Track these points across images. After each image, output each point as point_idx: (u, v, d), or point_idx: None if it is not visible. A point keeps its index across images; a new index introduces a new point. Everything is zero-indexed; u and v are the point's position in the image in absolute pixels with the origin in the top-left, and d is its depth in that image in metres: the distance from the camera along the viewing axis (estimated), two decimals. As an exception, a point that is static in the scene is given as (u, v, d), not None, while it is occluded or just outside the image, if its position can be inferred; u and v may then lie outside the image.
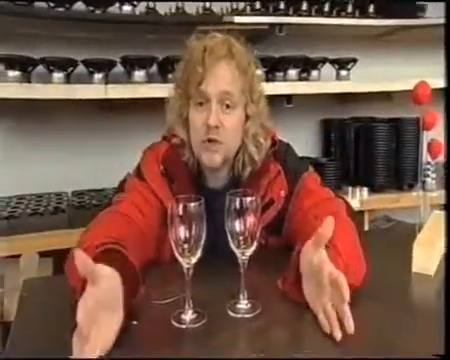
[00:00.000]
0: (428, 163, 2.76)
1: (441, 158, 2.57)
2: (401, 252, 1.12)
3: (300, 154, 2.38)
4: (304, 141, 2.71)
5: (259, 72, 1.22)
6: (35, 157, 2.21)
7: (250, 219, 0.87)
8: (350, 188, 2.38)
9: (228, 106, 1.12)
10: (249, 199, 0.86)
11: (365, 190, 2.38)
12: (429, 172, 2.62)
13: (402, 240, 1.20)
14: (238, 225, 0.87)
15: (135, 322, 0.86)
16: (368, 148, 2.48)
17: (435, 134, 2.76)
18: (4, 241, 1.73)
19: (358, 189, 2.38)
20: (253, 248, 0.89)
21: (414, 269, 1.06)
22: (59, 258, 1.75)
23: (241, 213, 0.86)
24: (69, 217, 1.87)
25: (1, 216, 1.82)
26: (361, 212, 2.40)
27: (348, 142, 2.58)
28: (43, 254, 1.78)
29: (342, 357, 0.77)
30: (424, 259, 1.05)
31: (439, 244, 1.11)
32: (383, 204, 2.41)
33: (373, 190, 2.44)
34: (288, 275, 0.94)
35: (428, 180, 2.52)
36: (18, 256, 1.74)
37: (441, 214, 1.31)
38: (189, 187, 1.14)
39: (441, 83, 2.53)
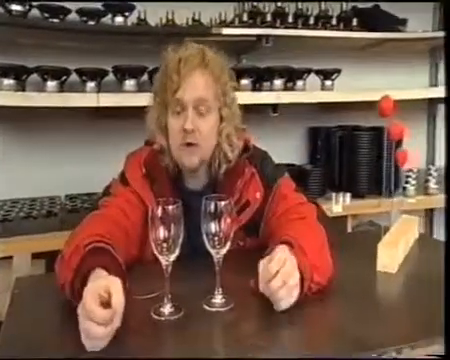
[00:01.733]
0: (410, 170, 2.88)
1: (412, 166, 2.66)
2: (370, 253, 1.20)
3: (287, 161, 2.49)
4: (291, 148, 2.79)
5: (231, 82, 1.31)
6: (29, 162, 2.29)
7: (224, 221, 0.95)
8: (334, 194, 2.47)
9: (202, 112, 1.21)
10: (223, 203, 0.95)
11: (348, 196, 2.47)
12: (410, 179, 2.73)
13: (374, 242, 1.28)
14: (213, 227, 0.95)
15: (118, 314, 0.94)
16: (351, 155, 2.57)
17: (415, 142, 2.86)
18: (-2, 243, 1.80)
19: (341, 195, 2.47)
20: (227, 248, 0.97)
21: (378, 268, 1.15)
22: (51, 259, 1.83)
23: (216, 216, 0.95)
24: (61, 220, 1.95)
25: (-4, 219, 1.89)
26: (345, 217, 2.49)
27: (333, 149, 2.67)
28: (36, 256, 1.85)
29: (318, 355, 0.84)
30: (387, 258, 1.14)
31: (402, 245, 1.20)
32: (365, 209, 2.49)
33: (356, 196, 2.53)
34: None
35: (408, 186, 2.63)
36: (11, 258, 1.81)
37: (409, 218, 1.41)
38: (169, 189, 1.24)
39: (421, 94, 2.66)
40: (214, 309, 0.97)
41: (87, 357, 0.80)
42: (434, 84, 3.06)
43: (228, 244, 0.97)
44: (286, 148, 2.73)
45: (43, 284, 1.20)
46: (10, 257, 1.81)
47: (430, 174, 2.75)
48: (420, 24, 2.76)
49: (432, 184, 2.63)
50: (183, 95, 1.20)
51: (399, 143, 2.50)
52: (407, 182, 2.63)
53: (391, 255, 1.14)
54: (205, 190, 1.22)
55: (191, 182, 1.30)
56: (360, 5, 2.64)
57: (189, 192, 1.28)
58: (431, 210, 3.12)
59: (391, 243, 1.18)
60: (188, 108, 1.20)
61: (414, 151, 2.93)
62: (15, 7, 1.96)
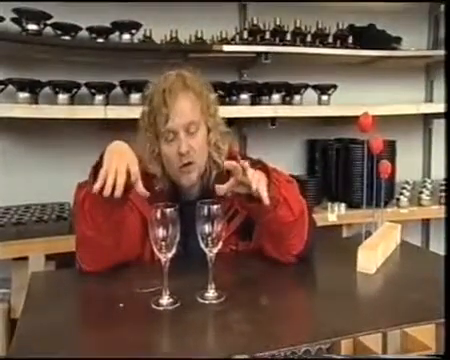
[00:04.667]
0: (406, 182, 2.98)
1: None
2: (354, 256, 1.30)
3: (285, 172, 2.59)
4: (289, 160, 2.91)
5: (212, 94, 1.43)
6: (41, 171, 2.43)
7: (216, 223, 1.07)
8: (329, 203, 2.58)
9: (192, 131, 1.32)
10: (215, 207, 1.07)
11: (343, 205, 2.58)
12: (404, 191, 2.83)
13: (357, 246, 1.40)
14: (207, 228, 1.07)
15: (122, 304, 1.06)
16: (347, 167, 2.68)
17: (412, 156, 2.96)
18: (13, 244, 1.92)
19: (336, 204, 2.58)
20: (219, 247, 1.09)
21: (358, 269, 1.26)
22: (61, 260, 1.96)
23: (209, 218, 1.07)
24: (71, 224, 2.07)
25: (10, 222, 2.01)
26: (339, 226, 2.59)
27: (330, 161, 2.78)
28: (47, 257, 1.97)
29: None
30: (366, 260, 1.25)
31: (381, 248, 1.31)
32: (359, 219, 2.59)
33: (351, 206, 2.63)
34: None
35: (401, 198, 2.74)
36: (24, 258, 1.93)
37: (391, 225, 1.52)
38: (165, 201, 1.33)
39: (416, 109, 2.77)
40: (207, 301, 1.08)
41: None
42: (430, 100, 3.17)
43: (220, 244, 1.09)
44: (284, 159, 2.84)
45: (56, 277, 1.35)
46: (24, 258, 1.93)
47: (425, 186, 2.85)
48: (416, 43, 2.89)
49: (425, 196, 2.73)
50: (173, 123, 1.30)
51: (392, 155, 2.63)
52: (401, 193, 2.74)
53: (369, 257, 1.25)
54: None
55: (187, 195, 1.41)
56: (356, 24, 2.77)
57: (184, 203, 1.35)
58: (427, 222, 3.22)
59: (370, 246, 1.29)
60: (179, 133, 1.30)
61: (410, 164, 3.06)
62: (31, 26, 2.10)
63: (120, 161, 1.11)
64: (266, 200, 1.13)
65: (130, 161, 1.13)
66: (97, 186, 1.07)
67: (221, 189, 1.17)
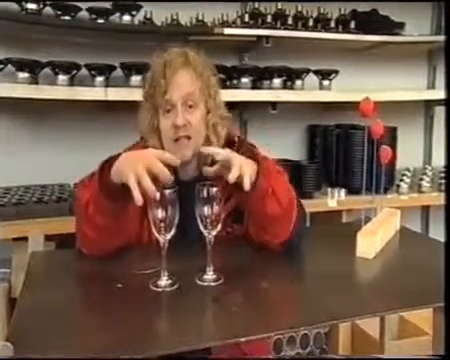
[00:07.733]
0: (407, 169, 2.98)
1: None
2: (352, 241, 1.31)
3: (285, 157, 2.59)
4: (289, 145, 2.90)
5: (214, 77, 1.40)
6: (41, 152, 2.42)
7: (215, 205, 1.07)
8: (329, 189, 2.58)
9: (191, 106, 1.31)
10: (215, 189, 1.07)
11: (343, 191, 2.58)
12: (405, 177, 2.83)
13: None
14: (206, 210, 1.07)
15: (120, 285, 1.06)
16: (347, 153, 2.67)
17: (413, 142, 2.95)
18: (13, 225, 1.92)
19: (337, 190, 2.58)
20: (218, 229, 1.09)
21: (357, 254, 1.27)
22: (60, 241, 1.97)
23: (208, 200, 1.07)
24: (71, 206, 2.07)
25: (10, 203, 2.01)
26: (339, 212, 2.60)
27: (330, 147, 2.78)
28: (47, 238, 1.97)
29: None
30: (365, 245, 1.25)
31: (380, 234, 1.31)
32: (359, 205, 2.59)
33: (351, 192, 2.63)
34: None
35: (401, 184, 2.73)
36: (24, 238, 1.93)
37: (390, 210, 1.53)
38: None
39: (418, 96, 2.75)
40: (205, 283, 1.09)
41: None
42: (432, 86, 3.16)
43: (219, 226, 1.09)
44: (285, 144, 2.84)
45: (55, 257, 1.36)
46: (24, 238, 1.93)
47: (425, 173, 2.85)
48: (418, 28, 2.87)
49: (425, 182, 2.73)
50: (172, 95, 1.29)
51: (393, 142, 2.63)
52: (402, 180, 2.74)
53: (369, 242, 1.26)
54: (195, 182, 1.32)
55: (183, 174, 1.39)
56: (359, 8, 2.74)
57: (181, 183, 1.32)
58: (427, 209, 3.22)
59: (369, 232, 1.29)
60: (177, 105, 1.29)
61: (411, 151, 3.05)
62: (30, 5, 2.08)
63: (136, 163, 1.08)
64: (246, 186, 1.09)
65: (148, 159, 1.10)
66: (140, 199, 1.03)
67: (208, 171, 1.17)
